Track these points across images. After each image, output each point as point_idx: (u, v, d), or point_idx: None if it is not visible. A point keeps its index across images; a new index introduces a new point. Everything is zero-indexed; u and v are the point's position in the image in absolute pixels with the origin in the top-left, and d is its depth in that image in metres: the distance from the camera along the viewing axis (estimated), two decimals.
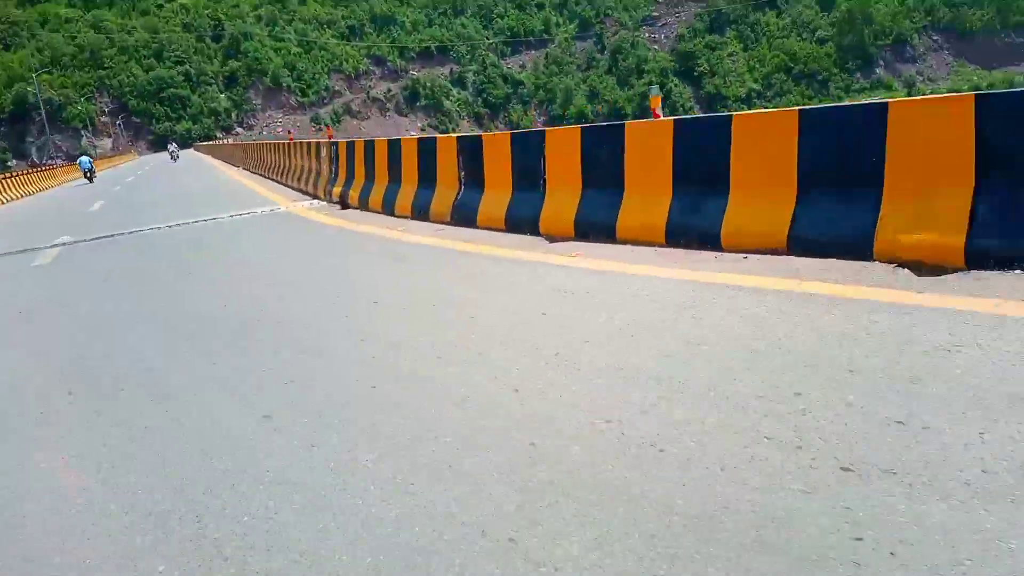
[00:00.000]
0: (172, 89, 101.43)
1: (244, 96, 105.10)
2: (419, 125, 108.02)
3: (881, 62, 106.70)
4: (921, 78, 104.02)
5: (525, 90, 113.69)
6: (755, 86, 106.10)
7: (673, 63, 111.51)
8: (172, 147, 50.06)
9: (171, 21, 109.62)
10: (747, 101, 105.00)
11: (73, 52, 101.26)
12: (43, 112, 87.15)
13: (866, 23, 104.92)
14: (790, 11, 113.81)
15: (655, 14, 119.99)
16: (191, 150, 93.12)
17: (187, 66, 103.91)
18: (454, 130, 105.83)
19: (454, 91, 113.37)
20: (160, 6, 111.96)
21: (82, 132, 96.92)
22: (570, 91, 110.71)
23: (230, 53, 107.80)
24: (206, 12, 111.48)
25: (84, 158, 37.21)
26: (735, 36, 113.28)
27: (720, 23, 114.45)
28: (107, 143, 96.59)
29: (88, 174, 34.60)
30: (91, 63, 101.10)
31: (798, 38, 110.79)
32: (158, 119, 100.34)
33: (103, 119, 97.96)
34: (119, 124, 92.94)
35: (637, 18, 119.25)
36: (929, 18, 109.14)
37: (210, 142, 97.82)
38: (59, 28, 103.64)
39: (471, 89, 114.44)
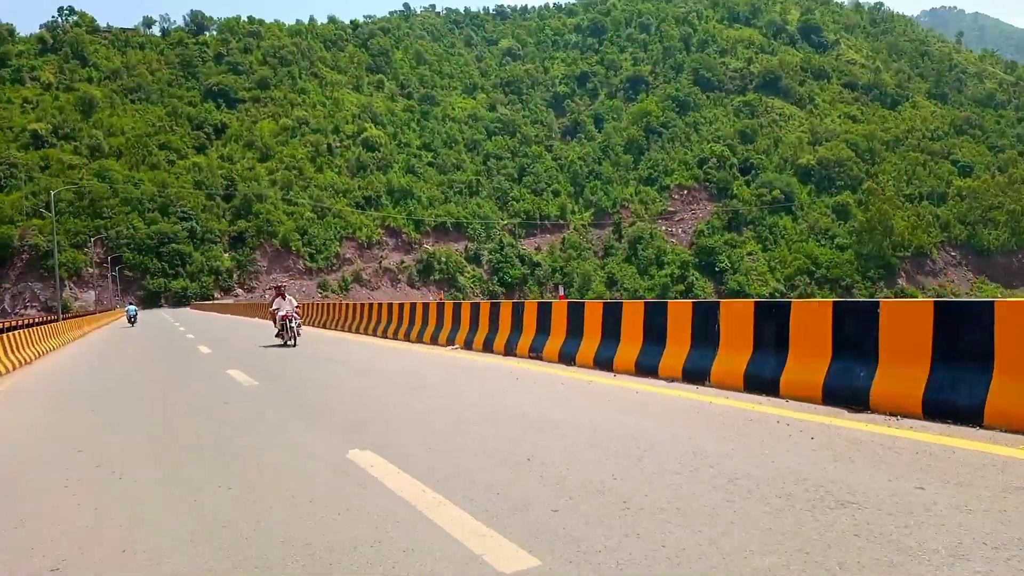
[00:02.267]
0: (174, 244, 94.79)
1: (249, 256, 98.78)
2: (431, 299, 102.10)
3: (902, 273, 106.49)
4: (945, 292, 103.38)
5: (542, 271, 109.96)
6: (778, 286, 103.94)
7: (693, 257, 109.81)
8: (131, 308, 42.02)
9: (182, 178, 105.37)
10: None
11: (71, 199, 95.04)
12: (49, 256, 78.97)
13: (885, 234, 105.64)
14: (807, 217, 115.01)
15: (671, 209, 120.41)
16: (187, 309, 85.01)
17: (193, 223, 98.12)
18: None
19: (469, 267, 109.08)
20: (172, 162, 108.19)
21: (65, 282, 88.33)
22: (588, 276, 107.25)
23: (240, 213, 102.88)
24: (220, 172, 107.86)
25: (131, 306, 43.98)
26: (752, 236, 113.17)
27: (737, 222, 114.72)
28: (90, 296, 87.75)
29: (132, 319, 39.79)
30: (89, 211, 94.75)
31: (817, 243, 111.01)
32: (153, 274, 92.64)
33: (90, 270, 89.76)
34: (111, 276, 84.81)
35: (654, 211, 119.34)
36: (946, 234, 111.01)
37: (209, 301, 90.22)
38: (61, 174, 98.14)
39: (486, 267, 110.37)
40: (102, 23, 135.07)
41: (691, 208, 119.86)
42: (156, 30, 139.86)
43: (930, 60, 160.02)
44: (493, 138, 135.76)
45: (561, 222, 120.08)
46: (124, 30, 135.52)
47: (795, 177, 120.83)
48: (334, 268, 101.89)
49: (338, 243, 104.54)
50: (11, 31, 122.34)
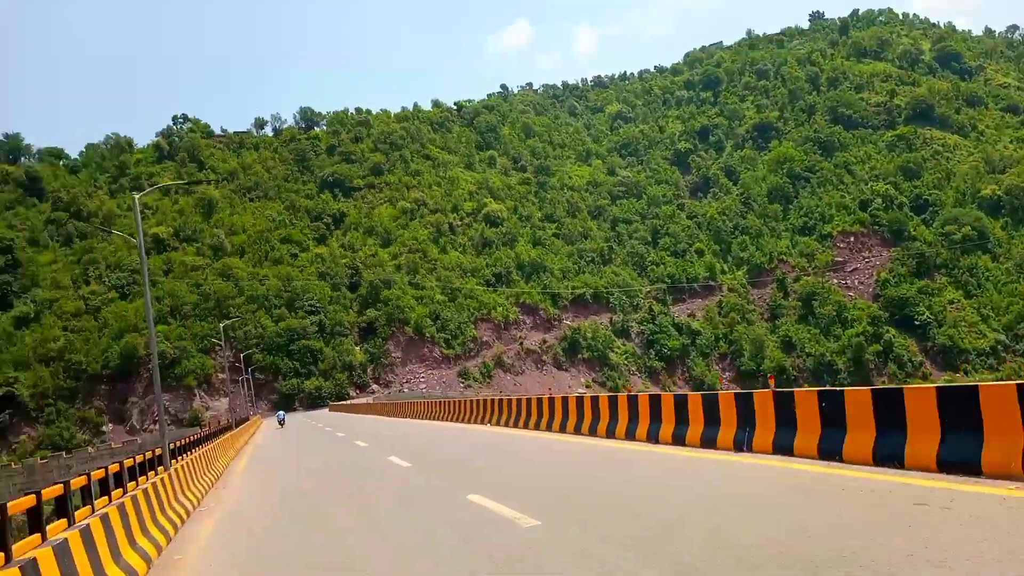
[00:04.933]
0: (303, 340, 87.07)
1: (382, 348, 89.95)
2: (583, 380, 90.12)
3: None
4: None
5: (703, 340, 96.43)
6: (998, 335, 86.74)
7: (882, 311, 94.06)
8: (280, 414, 56.69)
9: (306, 271, 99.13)
10: (994, 354, 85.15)
11: (196, 301, 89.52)
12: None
13: None
14: (1009, 254, 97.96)
15: (838, 259, 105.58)
16: (326, 411, 75.85)
17: (321, 315, 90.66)
18: (624, 387, 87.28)
19: (618, 342, 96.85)
20: (295, 255, 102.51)
21: (195, 391, 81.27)
22: (760, 341, 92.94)
23: (368, 302, 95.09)
24: (343, 261, 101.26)
25: (281, 412, 53.70)
26: (948, 281, 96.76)
27: (926, 267, 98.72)
28: (222, 403, 79.94)
29: (282, 422, 48.72)
30: (215, 313, 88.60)
31: None
32: (285, 375, 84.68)
33: (220, 375, 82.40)
34: (243, 380, 76.81)
35: (820, 263, 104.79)
36: None
37: (345, 401, 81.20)
38: (184, 276, 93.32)
39: (637, 340, 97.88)
40: (215, 128, 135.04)
41: (862, 256, 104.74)
42: (268, 130, 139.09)
43: None
44: (618, 202, 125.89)
45: (711, 283, 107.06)
46: (237, 133, 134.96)
47: (982, 211, 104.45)
48: (472, 353, 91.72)
49: (473, 326, 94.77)
50: (130, 143, 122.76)
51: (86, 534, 6.64)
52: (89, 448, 73.28)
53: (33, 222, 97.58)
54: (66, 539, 6.11)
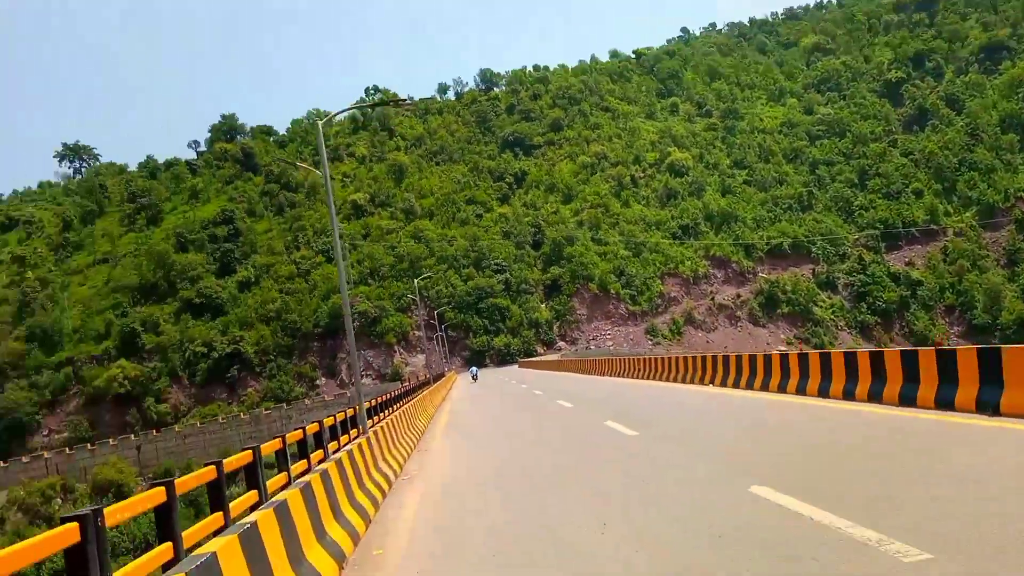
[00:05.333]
0: (491, 299, 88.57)
1: (567, 305, 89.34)
2: (783, 337, 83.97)
3: None
4: None
5: (925, 291, 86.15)
6: None
7: None
8: (473, 370, 59.41)
9: (491, 230, 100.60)
10: None
11: (391, 262, 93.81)
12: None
13: None
14: None
15: None
16: (515, 368, 76.76)
17: (507, 274, 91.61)
18: (831, 344, 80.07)
19: (823, 295, 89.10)
20: (479, 216, 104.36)
21: (395, 347, 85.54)
22: (996, 291, 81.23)
23: (551, 260, 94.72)
24: (526, 220, 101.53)
25: (473, 368, 56.46)
26: None
27: None
28: (419, 359, 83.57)
29: (475, 377, 51.89)
30: (409, 274, 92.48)
31: None
32: (476, 332, 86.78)
33: (416, 333, 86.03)
34: (438, 337, 79.60)
35: None
36: None
37: (533, 358, 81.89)
38: (380, 239, 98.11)
39: (845, 293, 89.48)
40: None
41: None
42: (451, 95, 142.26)
43: None
44: (818, 143, 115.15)
45: (932, 227, 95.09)
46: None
47: None
48: (659, 309, 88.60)
49: (659, 281, 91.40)
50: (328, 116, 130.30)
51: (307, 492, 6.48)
52: (305, 400, 79.94)
53: (250, 194, 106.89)
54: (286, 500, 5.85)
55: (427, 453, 15.04)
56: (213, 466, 5.77)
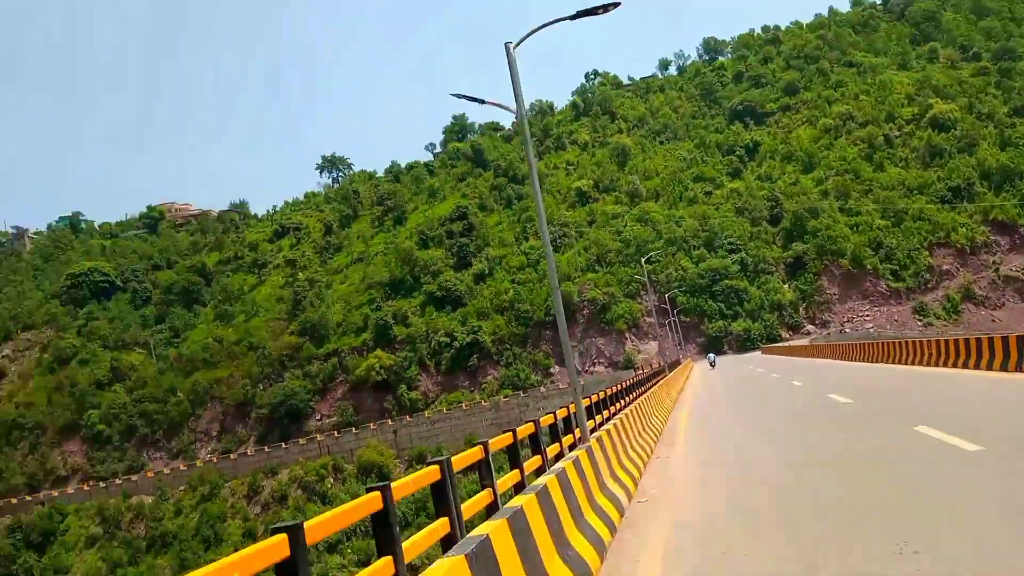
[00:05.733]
0: (726, 280, 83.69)
1: (814, 285, 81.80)
2: None
3: None
4: None
5: None
6: None
7: None
8: (711, 356, 59.94)
9: (722, 208, 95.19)
10: None
11: (618, 247, 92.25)
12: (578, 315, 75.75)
13: None
14: None
15: None
16: (756, 353, 71.71)
17: (742, 253, 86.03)
18: None
19: None
20: (708, 193, 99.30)
21: (626, 334, 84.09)
22: None
23: (792, 235, 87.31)
24: (761, 194, 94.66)
25: (711, 354, 58.35)
26: None
27: None
28: (651, 347, 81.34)
29: (713, 364, 52.49)
30: (636, 257, 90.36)
31: None
32: (711, 317, 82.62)
33: (647, 319, 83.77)
34: (670, 323, 76.88)
35: None
36: None
37: (778, 343, 76.10)
38: (605, 225, 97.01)
39: None
40: (623, 78, 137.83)
41: None
42: (672, 70, 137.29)
43: None
44: None
45: None
46: (643, 79, 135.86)
47: None
48: (929, 285, 77.80)
49: (927, 252, 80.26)
50: (551, 106, 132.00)
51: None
52: (540, 388, 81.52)
53: (480, 189, 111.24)
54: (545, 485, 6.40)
55: (667, 464, 12.99)
56: (480, 446, 6.62)
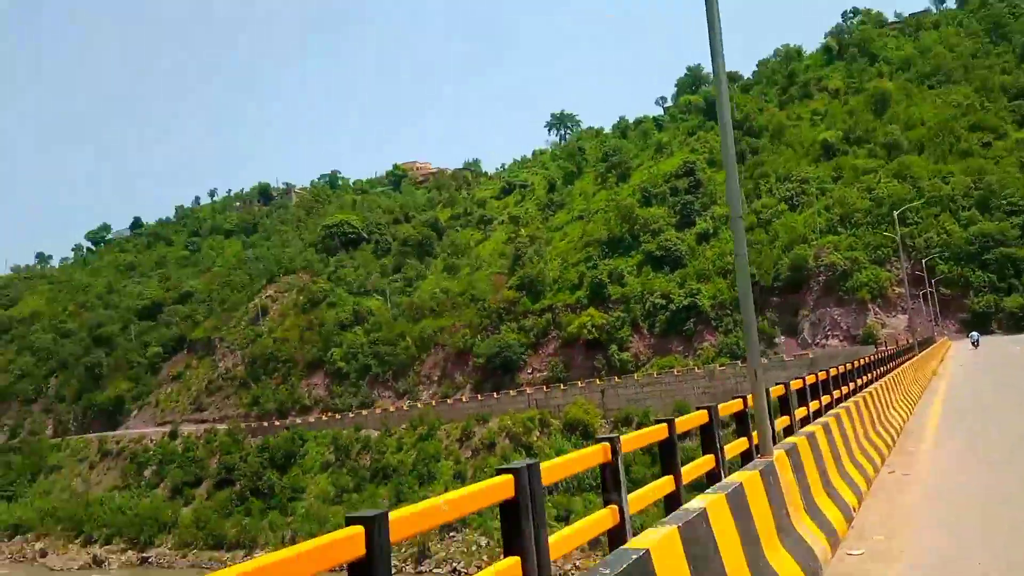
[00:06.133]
0: (1001, 248, 70.10)
1: None
2: None
3: None
4: None
5: None
6: None
7: None
8: (974, 335, 53.16)
9: (1003, 162, 79.75)
10: None
11: (868, 207, 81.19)
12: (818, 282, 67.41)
13: None
14: None
15: None
16: None
17: None
18: None
19: None
20: (987, 144, 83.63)
21: (868, 305, 74.04)
22: None
23: None
24: None
25: (974, 333, 51.12)
26: None
27: None
28: (899, 321, 70.76)
29: (975, 343, 46.39)
30: (888, 219, 78.75)
31: None
32: (978, 290, 69.94)
33: (896, 289, 72.87)
34: (925, 295, 66.15)
35: None
36: None
37: None
38: (854, 182, 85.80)
39: None
40: (888, 15, 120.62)
41: None
42: (951, 2, 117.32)
43: None
44: None
45: None
46: (913, 15, 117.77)
47: None
48: None
49: None
50: (798, 51, 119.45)
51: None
52: (763, 359, 74.94)
53: (712, 143, 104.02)
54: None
55: (903, 486, 9.20)
56: (706, 410, 6.79)
